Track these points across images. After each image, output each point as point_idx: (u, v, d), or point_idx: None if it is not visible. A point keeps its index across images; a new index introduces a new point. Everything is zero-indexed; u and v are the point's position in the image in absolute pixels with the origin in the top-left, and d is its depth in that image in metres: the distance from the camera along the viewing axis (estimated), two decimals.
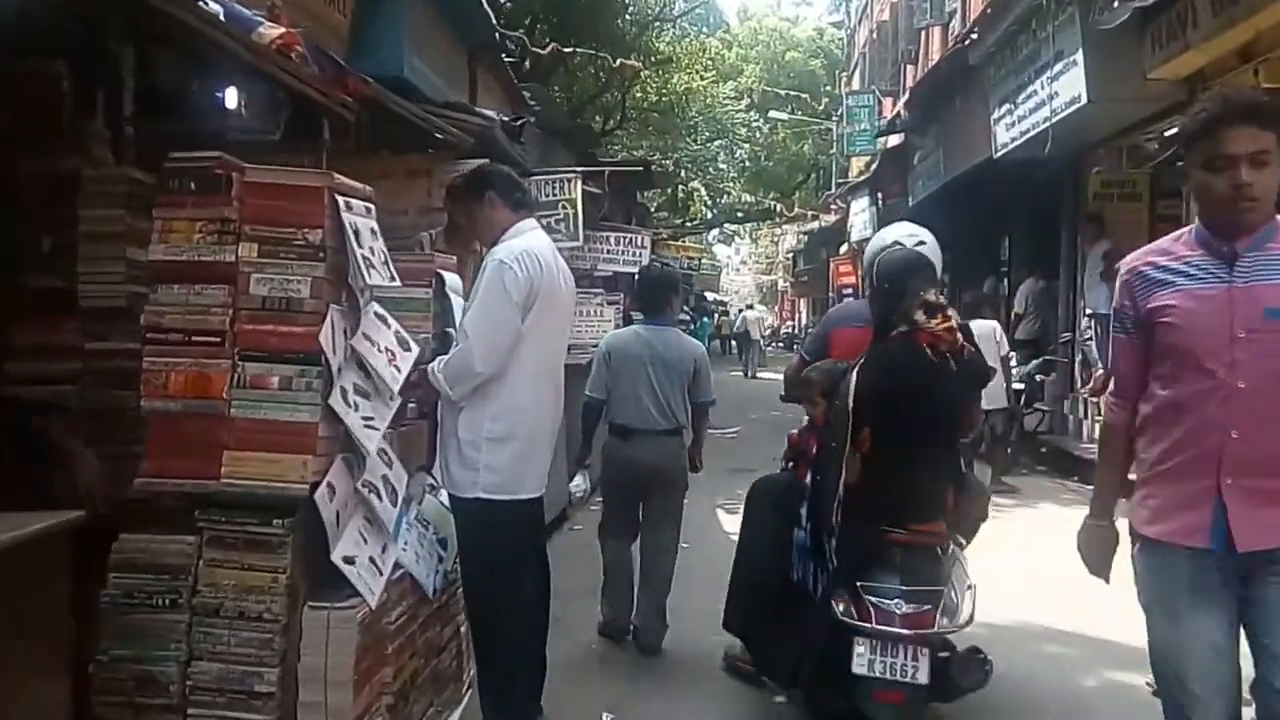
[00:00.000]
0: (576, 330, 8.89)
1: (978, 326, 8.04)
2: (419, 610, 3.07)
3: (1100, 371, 9.34)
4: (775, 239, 48.25)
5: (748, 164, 34.46)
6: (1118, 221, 10.29)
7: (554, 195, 6.76)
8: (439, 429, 3.27)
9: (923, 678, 3.03)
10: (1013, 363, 9.07)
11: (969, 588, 3.23)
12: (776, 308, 50.19)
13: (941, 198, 14.01)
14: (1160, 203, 10.22)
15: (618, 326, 9.94)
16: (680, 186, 31.04)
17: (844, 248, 26.70)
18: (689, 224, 32.68)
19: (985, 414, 8.00)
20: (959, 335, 3.11)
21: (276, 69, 3.69)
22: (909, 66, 20.21)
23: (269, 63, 3.66)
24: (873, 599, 3.07)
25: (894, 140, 17.49)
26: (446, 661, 3.35)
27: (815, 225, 31.15)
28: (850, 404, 3.14)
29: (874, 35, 24.37)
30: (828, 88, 33.49)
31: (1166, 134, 8.92)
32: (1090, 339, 9.74)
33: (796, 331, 38.53)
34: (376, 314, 2.89)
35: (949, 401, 3.20)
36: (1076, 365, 10.25)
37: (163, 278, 2.57)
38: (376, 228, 2.84)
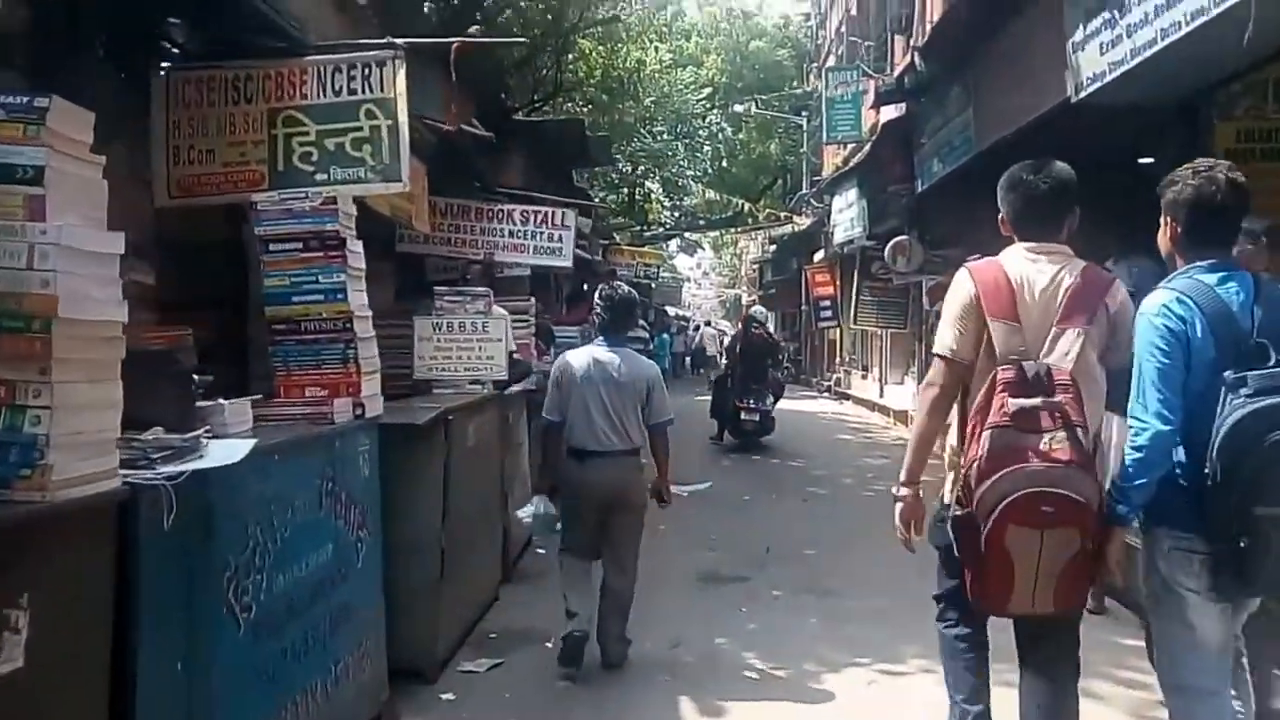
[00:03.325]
0: (437, 358, 5.47)
1: None
2: None
3: None
4: (738, 252, 45.19)
5: (709, 167, 31.36)
6: (1256, 190, 7.19)
7: (352, 93, 3.41)
8: None
9: (758, 418, 12.95)
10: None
11: (772, 403, 13.18)
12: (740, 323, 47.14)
13: (963, 179, 10.93)
14: None
15: (525, 345, 6.66)
16: (637, 188, 27.85)
17: (819, 255, 23.62)
18: (647, 231, 29.43)
19: None
20: (766, 333, 14.13)
21: None
22: (898, 37, 17.27)
23: None
24: (747, 402, 12.90)
25: (889, 114, 14.41)
26: None
27: (787, 230, 28.05)
28: (739, 352, 13.45)
29: (850, 11, 21.44)
30: (795, 86, 30.48)
31: None
32: None
33: None
34: None
35: (764, 351, 13.49)
36: None
37: None
38: None
